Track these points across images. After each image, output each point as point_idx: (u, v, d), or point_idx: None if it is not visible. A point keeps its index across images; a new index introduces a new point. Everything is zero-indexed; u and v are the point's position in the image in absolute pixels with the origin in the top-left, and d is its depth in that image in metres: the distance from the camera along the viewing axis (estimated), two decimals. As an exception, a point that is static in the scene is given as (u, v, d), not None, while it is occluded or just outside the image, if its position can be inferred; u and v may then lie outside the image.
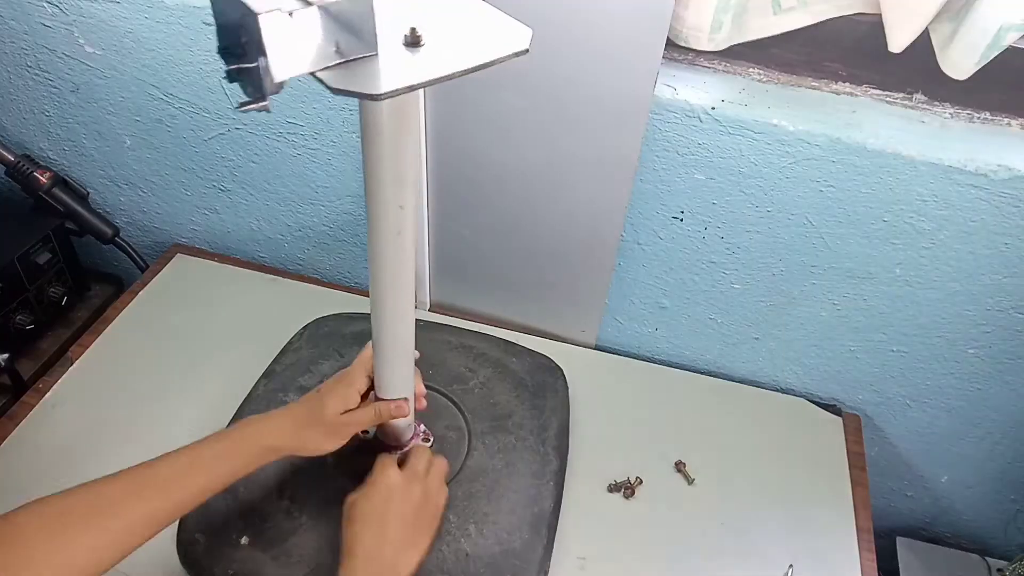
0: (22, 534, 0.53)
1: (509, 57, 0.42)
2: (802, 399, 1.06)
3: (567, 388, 0.94)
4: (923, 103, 0.84)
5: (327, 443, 0.69)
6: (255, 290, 1.13)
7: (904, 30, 0.77)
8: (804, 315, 1.00)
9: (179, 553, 0.74)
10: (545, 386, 0.93)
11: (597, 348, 1.11)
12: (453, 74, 0.40)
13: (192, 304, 1.09)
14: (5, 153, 1.04)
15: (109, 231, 1.12)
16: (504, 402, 0.89)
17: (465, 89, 0.86)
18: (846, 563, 0.86)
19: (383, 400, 0.70)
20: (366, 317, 0.68)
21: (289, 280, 1.16)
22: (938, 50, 0.78)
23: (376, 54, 0.40)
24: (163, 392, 0.97)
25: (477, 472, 0.81)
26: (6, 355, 0.94)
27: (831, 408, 1.04)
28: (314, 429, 0.68)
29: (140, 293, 1.10)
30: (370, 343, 0.68)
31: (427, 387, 0.78)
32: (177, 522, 0.68)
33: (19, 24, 0.98)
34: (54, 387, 0.97)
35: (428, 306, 1.12)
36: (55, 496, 0.57)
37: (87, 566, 0.55)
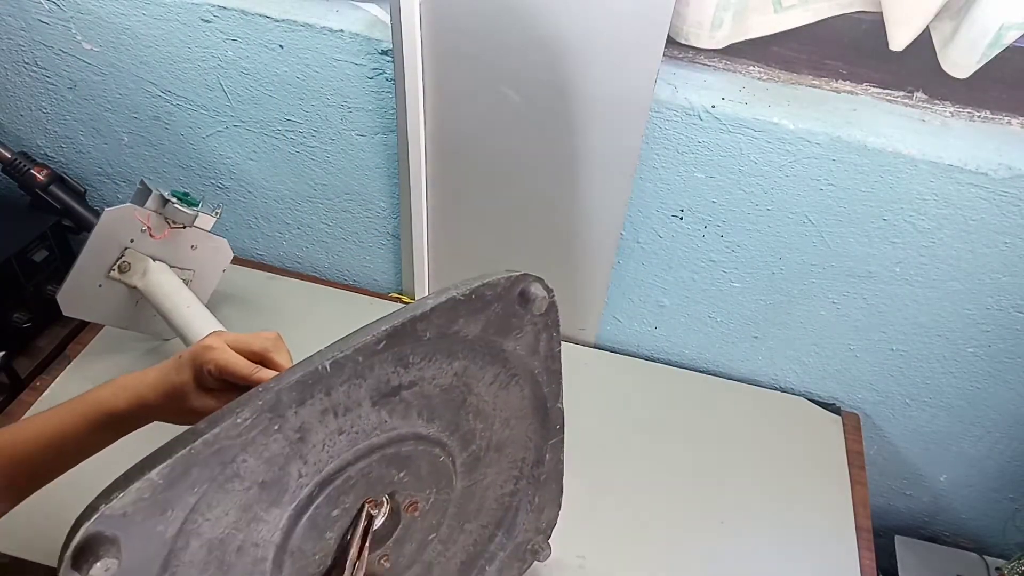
0: None
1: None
2: (801, 398, 1.06)
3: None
4: (923, 102, 0.84)
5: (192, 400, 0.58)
6: (253, 288, 1.13)
7: (905, 29, 0.77)
8: (803, 314, 0.99)
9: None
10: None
11: (596, 347, 1.11)
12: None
13: (190, 302, 1.09)
14: (2, 150, 1.03)
15: (107, 229, 1.11)
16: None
17: (464, 86, 0.86)
18: (845, 561, 0.86)
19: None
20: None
21: (287, 278, 1.15)
22: (939, 49, 0.78)
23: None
24: (161, 390, 0.97)
25: None
26: (3, 353, 0.93)
27: (830, 407, 1.04)
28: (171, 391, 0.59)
29: (138, 291, 1.10)
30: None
31: None
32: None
33: (16, 20, 0.97)
34: (52, 385, 0.96)
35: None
36: None
37: None
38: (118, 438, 0.61)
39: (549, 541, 0.78)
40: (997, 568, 1.08)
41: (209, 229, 0.94)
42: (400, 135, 0.92)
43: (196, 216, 0.91)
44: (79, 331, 1.05)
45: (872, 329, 0.98)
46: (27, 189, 1.06)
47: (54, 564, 0.80)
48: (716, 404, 1.03)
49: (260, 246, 1.19)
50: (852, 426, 1.02)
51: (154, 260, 0.91)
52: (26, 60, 1.02)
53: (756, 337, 1.04)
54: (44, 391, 0.95)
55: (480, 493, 0.68)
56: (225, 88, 0.98)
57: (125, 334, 1.04)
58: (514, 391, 0.64)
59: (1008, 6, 0.71)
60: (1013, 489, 1.11)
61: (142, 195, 0.89)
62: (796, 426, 1.01)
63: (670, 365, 1.09)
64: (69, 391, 0.96)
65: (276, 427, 0.48)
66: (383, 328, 0.50)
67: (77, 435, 0.60)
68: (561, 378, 0.66)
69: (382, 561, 0.62)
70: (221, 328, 0.86)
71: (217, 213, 0.93)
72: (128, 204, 0.88)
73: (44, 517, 0.83)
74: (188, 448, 0.44)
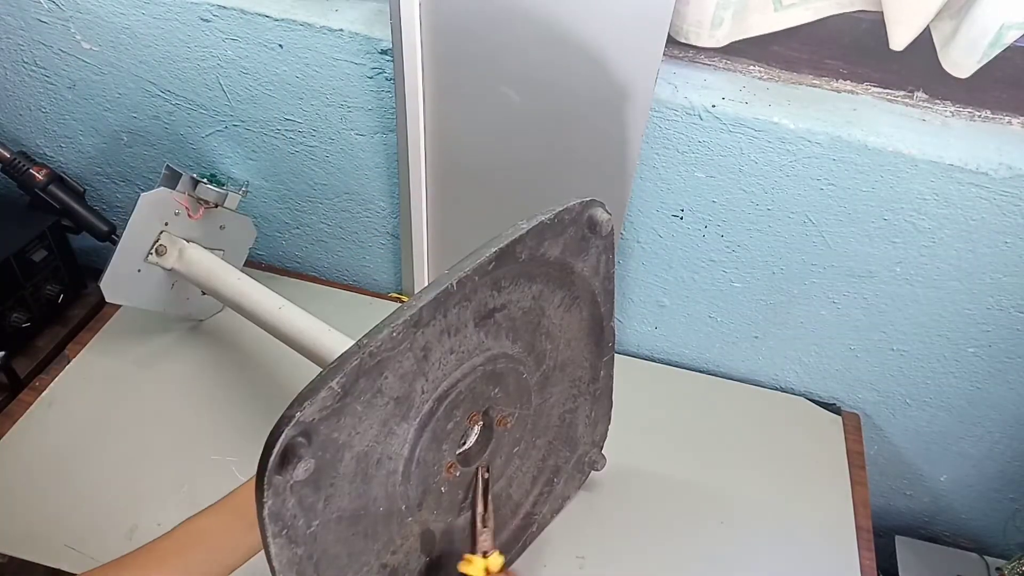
0: None
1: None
2: (802, 398, 1.06)
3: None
4: (924, 101, 0.84)
5: None
6: (253, 288, 1.12)
7: (905, 28, 0.77)
8: (804, 314, 0.99)
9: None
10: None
11: (596, 346, 1.11)
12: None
13: (189, 302, 1.08)
14: (1, 150, 1.03)
15: (106, 228, 1.11)
16: None
17: (464, 86, 0.86)
18: (845, 562, 0.86)
19: None
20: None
21: (287, 278, 1.15)
22: (939, 48, 0.78)
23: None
24: (160, 390, 0.97)
25: None
26: (2, 353, 0.93)
27: (831, 407, 1.04)
28: None
29: (137, 291, 1.10)
30: None
31: None
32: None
33: (15, 20, 0.97)
34: (51, 385, 0.96)
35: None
36: None
37: None
38: None
39: (603, 452, 0.85)
40: (997, 568, 1.08)
41: (235, 208, 0.96)
42: (400, 135, 0.91)
43: (227, 195, 0.94)
44: (78, 331, 1.05)
45: (872, 329, 0.98)
46: (26, 189, 1.05)
47: (53, 564, 0.80)
48: (716, 404, 1.03)
49: (259, 246, 1.18)
50: (852, 426, 1.02)
51: (188, 242, 0.94)
52: (25, 60, 1.01)
53: (756, 337, 1.04)
54: (43, 391, 0.95)
55: (548, 411, 0.74)
56: (224, 87, 0.98)
57: (125, 334, 1.04)
58: (575, 313, 0.70)
59: (1008, 6, 0.71)
60: (1013, 489, 1.11)
61: (171, 179, 0.91)
62: (796, 426, 1.01)
63: (670, 365, 1.09)
64: (68, 391, 0.96)
65: (410, 345, 0.52)
66: (492, 250, 0.57)
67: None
68: (614, 298, 0.72)
69: (482, 472, 0.68)
70: (275, 295, 0.88)
71: (243, 191, 0.96)
72: (162, 188, 0.89)
73: (42, 518, 0.83)
74: (359, 360, 0.48)
